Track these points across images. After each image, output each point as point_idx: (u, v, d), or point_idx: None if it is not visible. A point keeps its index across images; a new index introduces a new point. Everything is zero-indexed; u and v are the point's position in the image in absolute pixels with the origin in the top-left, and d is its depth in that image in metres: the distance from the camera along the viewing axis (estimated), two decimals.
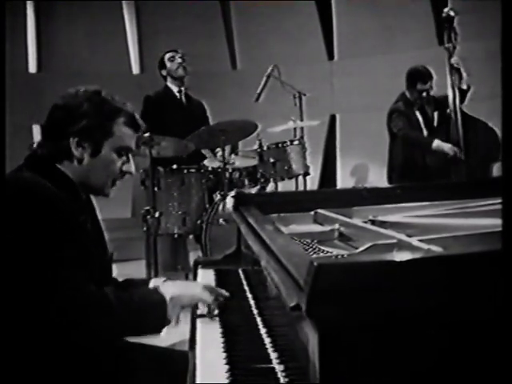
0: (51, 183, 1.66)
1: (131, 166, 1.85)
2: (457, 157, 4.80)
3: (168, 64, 4.92)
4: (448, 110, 4.86)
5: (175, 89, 4.95)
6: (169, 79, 4.95)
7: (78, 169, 1.77)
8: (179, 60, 4.89)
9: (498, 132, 4.75)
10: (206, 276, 2.19)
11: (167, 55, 4.95)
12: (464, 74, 4.76)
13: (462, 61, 4.77)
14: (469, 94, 4.88)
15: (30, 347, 1.56)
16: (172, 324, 1.68)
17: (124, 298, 1.67)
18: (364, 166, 7.18)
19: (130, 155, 1.85)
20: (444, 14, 4.75)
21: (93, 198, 1.94)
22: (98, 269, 1.74)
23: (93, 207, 1.92)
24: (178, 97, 4.96)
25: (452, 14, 4.71)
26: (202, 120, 4.93)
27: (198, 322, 1.74)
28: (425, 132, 5.13)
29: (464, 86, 4.80)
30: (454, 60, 4.73)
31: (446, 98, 4.88)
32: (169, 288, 1.74)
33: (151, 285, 1.91)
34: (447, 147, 4.82)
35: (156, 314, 1.67)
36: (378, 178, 6.03)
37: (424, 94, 5.08)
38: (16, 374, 1.55)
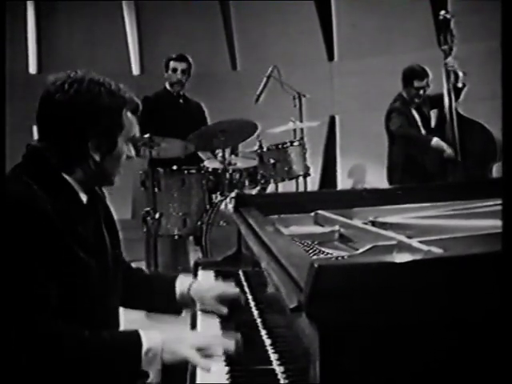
0: (46, 190, 1.51)
1: (131, 150, 1.69)
2: (455, 158, 4.80)
3: (170, 72, 4.88)
4: (444, 111, 4.86)
5: (174, 91, 4.93)
6: (168, 82, 4.93)
7: (92, 170, 1.60)
8: (179, 76, 4.83)
9: (495, 133, 4.75)
10: (206, 277, 2.18)
11: (171, 64, 4.86)
12: (460, 74, 4.76)
13: (457, 61, 4.76)
14: (463, 92, 4.88)
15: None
16: (151, 379, 1.45)
17: (84, 339, 1.43)
18: (363, 166, 7.18)
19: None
20: (440, 17, 4.78)
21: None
22: (98, 278, 1.59)
23: (97, 210, 1.72)
24: (177, 99, 4.95)
25: (448, 16, 4.75)
26: (201, 121, 4.91)
27: (198, 322, 1.74)
28: (423, 131, 5.13)
29: (459, 85, 4.80)
30: (447, 61, 4.73)
31: (440, 96, 4.88)
32: (156, 336, 1.47)
33: (179, 282, 1.85)
34: (446, 145, 4.82)
35: (126, 363, 1.43)
36: (378, 179, 6.02)
37: (421, 91, 5.08)
38: None
